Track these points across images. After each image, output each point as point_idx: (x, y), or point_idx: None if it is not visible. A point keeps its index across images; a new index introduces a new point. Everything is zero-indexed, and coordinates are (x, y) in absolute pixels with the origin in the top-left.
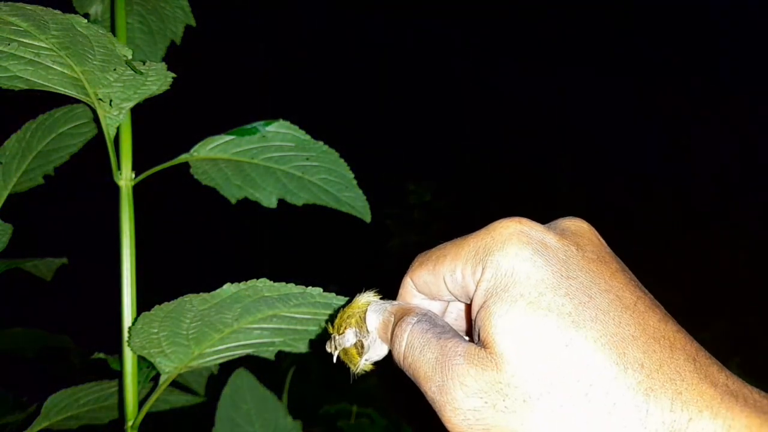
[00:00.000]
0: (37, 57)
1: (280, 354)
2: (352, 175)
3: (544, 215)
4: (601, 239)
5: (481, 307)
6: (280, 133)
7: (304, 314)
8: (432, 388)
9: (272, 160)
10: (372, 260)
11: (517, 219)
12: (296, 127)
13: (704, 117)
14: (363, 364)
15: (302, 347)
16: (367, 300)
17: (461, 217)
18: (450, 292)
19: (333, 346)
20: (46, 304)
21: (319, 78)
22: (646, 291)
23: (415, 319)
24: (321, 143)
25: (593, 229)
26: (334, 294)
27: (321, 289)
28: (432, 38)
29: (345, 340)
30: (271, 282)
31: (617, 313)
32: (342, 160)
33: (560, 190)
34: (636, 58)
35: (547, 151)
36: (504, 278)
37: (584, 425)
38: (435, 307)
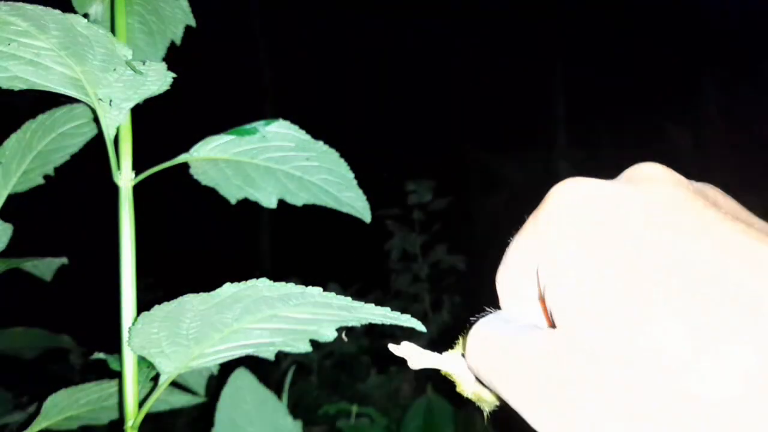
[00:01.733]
0: (37, 57)
1: (280, 354)
2: (352, 175)
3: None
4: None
5: None
6: (280, 133)
7: (304, 314)
8: None
9: (272, 160)
10: (372, 260)
11: None
12: (296, 127)
13: None
14: None
15: (302, 347)
16: None
17: (461, 217)
18: None
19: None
20: (46, 304)
21: (319, 78)
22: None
23: None
24: (321, 143)
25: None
26: (334, 294)
27: (321, 289)
28: (432, 38)
29: None
30: (271, 282)
31: None
32: (342, 160)
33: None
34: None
35: (547, 152)
36: None
37: None
38: None
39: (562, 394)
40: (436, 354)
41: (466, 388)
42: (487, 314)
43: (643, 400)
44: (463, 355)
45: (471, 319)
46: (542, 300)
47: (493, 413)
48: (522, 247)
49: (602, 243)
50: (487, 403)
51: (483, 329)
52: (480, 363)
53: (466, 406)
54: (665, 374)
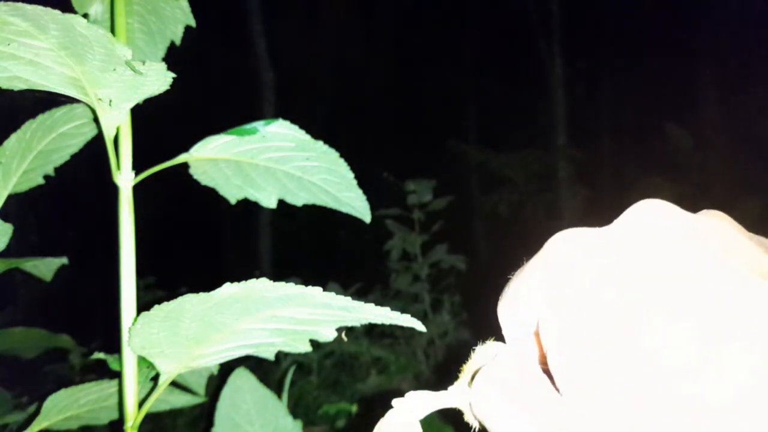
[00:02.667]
0: (36, 57)
1: (280, 354)
2: (352, 175)
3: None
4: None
5: None
6: (280, 133)
7: (304, 314)
8: None
9: (272, 160)
10: (372, 260)
11: None
12: (296, 127)
13: None
14: None
15: (302, 347)
16: None
17: (461, 217)
18: None
19: None
20: (46, 304)
21: (319, 78)
22: None
23: None
24: (321, 143)
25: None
26: (333, 294)
27: (321, 289)
28: (432, 38)
29: None
30: (271, 282)
31: None
32: (342, 160)
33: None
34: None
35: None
36: None
37: None
38: None
39: None
40: (441, 393)
41: (474, 420)
42: (489, 346)
43: (650, 414)
44: (468, 386)
45: (474, 348)
46: (537, 335)
47: None
48: (520, 287)
49: (600, 293)
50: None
51: (484, 385)
52: (486, 419)
53: None
54: (671, 384)
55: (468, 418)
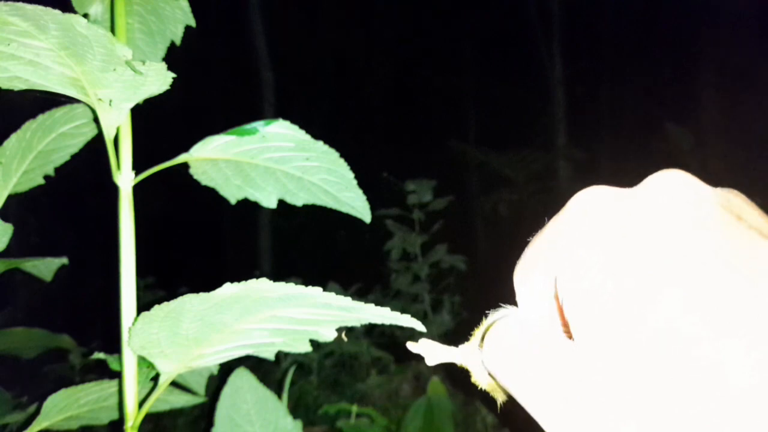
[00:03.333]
0: (37, 57)
1: (280, 354)
2: (352, 175)
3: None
4: None
5: None
6: (280, 133)
7: (304, 314)
8: None
9: (272, 160)
10: (372, 260)
11: None
12: (296, 127)
13: None
14: None
15: (302, 347)
16: None
17: (461, 217)
18: None
19: None
20: (46, 304)
21: (319, 78)
22: None
23: None
24: (321, 143)
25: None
26: (334, 294)
27: (321, 289)
28: (433, 38)
29: None
30: (271, 282)
31: None
32: (342, 160)
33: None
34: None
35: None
36: None
37: None
38: None
39: (580, 406)
40: (452, 348)
41: (481, 379)
42: (502, 310)
43: (665, 398)
44: (479, 347)
45: (487, 312)
46: (557, 298)
47: (505, 404)
48: (541, 247)
49: (621, 251)
50: (501, 393)
51: (500, 334)
52: (498, 368)
53: (467, 406)
54: (687, 367)
55: (475, 377)
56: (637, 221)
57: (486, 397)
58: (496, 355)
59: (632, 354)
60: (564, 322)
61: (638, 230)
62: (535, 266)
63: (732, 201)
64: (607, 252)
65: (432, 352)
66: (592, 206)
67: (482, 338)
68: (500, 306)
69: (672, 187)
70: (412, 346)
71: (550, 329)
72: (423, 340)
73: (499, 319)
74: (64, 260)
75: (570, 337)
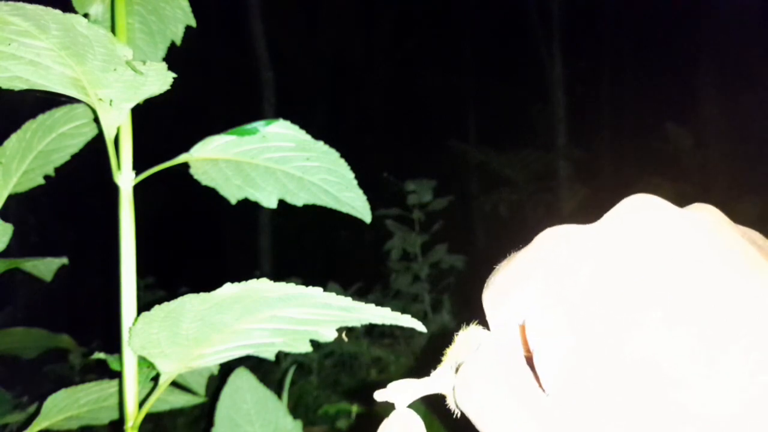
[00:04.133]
0: (37, 57)
1: (280, 353)
2: (352, 175)
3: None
4: None
5: None
6: (280, 133)
7: (304, 314)
8: None
9: (272, 160)
10: (372, 260)
11: None
12: (296, 127)
13: None
14: None
15: (302, 347)
16: None
17: (461, 217)
18: None
19: None
20: (46, 304)
21: (319, 78)
22: None
23: None
24: (321, 143)
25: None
26: (333, 294)
27: (321, 289)
28: (433, 38)
29: None
30: (271, 282)
31: None
32: (342, 160)
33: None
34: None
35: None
36: None
37: None
38: None
39: None
40: (424, 380)
41: (456, 406)
42: (471, 329)
43: (637, 418)
44: (450, 370)
45: (456, 334)
46: (522, 328)
47: None
48: (514, 276)
49: (592, 285)
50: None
51: (470, 376)
52: (468, 410)
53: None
54: (663, 393)
55: (450, 402)
56: (605, 261)
57: None
58: (466, 399)
59: (603, 403)
60: (526, 349)
61: (608, 271)
62: (508, 295)
63: (703, 219)
64: (576, 291)
65: (405, 391)
66: (560, 245)
67: (455, 364)
68: (470, 325)
69: (641, 213)
70: (379, 394)
71: (519, 364)
72: (392, 384)
73: (468, 342)
74: (64, 260)
75: (531, 363)
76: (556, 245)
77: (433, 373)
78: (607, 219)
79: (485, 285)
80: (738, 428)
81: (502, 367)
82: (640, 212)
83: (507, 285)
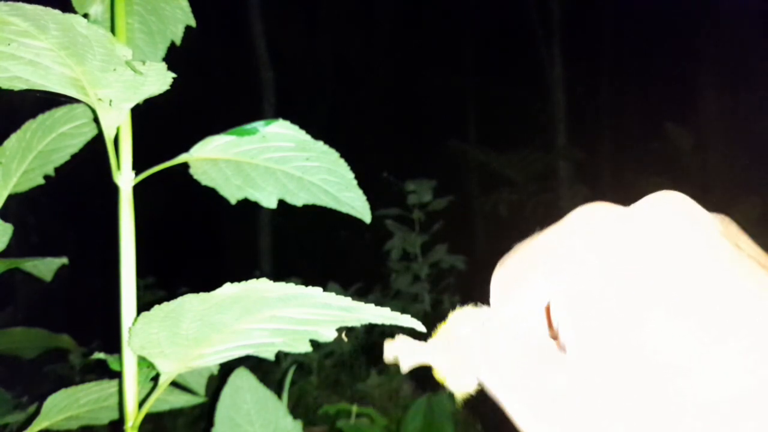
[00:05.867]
0: (36, 57)
1: (280, 353)
2: (352, 175)
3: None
4: None
5: None
6: (280, 133)
7: (304, 314)
8: None
9: (272, 161)
10: (372, 260)
11: None
12: (296, 127)
13: None
14: None
15: (302, 347)
16: None
17: (461, 217)
18: None
19: None
20: (46, 304)
21: (319, 78)
22: None
23: None
24: (321, 143)
25: None
26: (333, 294)
27: (321, 289)
28: (433, 38)
29: None
30: (271, 282)
31: None
32: (342, 160)
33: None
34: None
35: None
36: None
37: None
38: None
39: (564, 408)
40: (424, 345)
41: (442, 374)
42: (469, 308)
43: (640, 404)
44: (445, 342)
45: (452, 311)
46: (547, 310)
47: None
48: (537, 254)
49: (618, 270)
50: (464, 391)
51: (491, 342)
52: (490, 377)
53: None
54: (662, 376)
55: (437, 374)
56: (637, 243)
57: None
58: (488, 364)
59: (619, 369)
60: (552, 332)
61: (637, 252)
62: (517, 273)
63: (729, 228)
64: (604, 269)
65: (406, 352)
66: (593, 221)
67: (447, 337)
68: (468, 304)
69: (671, 211)
70: (389, 346)
71: (539, 335)
72: (400, 337)
73: (463, 320)
74: (64, 260)
75: (557, 344)
76: (587, 229)
77: (429, 342)
78: (637, 209)
79: (502, 262)
80: (735, 414)
81: (533, 351)
82: (668, 209)
83: (533, 262)
